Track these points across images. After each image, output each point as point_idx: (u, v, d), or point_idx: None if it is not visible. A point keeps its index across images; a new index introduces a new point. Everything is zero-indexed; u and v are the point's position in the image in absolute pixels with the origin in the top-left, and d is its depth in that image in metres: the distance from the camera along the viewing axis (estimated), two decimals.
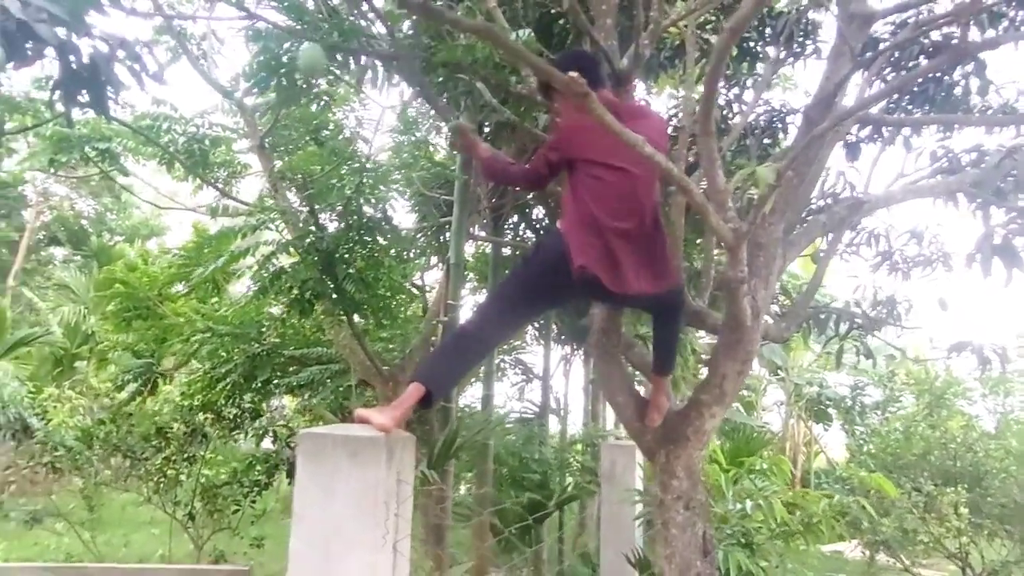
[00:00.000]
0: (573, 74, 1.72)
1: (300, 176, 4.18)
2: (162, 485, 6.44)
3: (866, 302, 4.03)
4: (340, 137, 4.94)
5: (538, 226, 6.80)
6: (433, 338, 5.32)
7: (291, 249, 4.19)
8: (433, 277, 7.44)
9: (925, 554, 6.34)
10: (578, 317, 6.90)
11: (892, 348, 5.64)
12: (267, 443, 7.47)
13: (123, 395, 7.30)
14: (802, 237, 3.02)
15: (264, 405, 7.05)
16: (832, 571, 7.21)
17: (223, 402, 6.55)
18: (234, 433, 7.04)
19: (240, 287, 7.63)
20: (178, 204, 5.98)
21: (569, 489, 6.82)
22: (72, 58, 2.82)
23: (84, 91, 3.05)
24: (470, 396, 6.85)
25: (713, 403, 2.80)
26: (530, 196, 6.47)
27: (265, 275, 4.10)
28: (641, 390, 3.37)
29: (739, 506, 4.33)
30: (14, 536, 7.72)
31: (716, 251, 3.52)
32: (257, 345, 6.34)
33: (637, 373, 3.85)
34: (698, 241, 4.50)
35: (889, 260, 4.35)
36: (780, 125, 4.36)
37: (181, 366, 6.47)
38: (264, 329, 6.23)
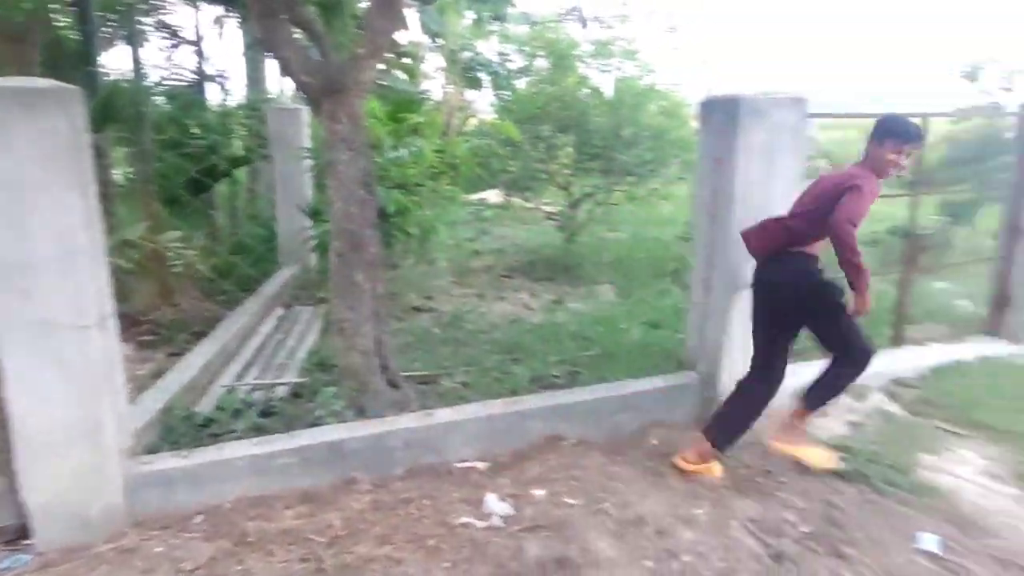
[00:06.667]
0: None
1: None
2: None
3: None
4: None
5: None
6: None
7: None
8: None
9: (543, 191, 7.99)
10: None
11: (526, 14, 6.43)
12: None
13: None
14: None
15: None
16: (476, 212, 8.72)
17: None
18: None
19: None
20: None
21: (239, 153, 6.98)
22: None
23: None
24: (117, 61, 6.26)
25: (368, 56, 3.20)
26: None
27: None
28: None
29: (397, 154, 5.02)
30: None
31: None
32: None
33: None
34: None
35: None
36: None
37: None
38: None
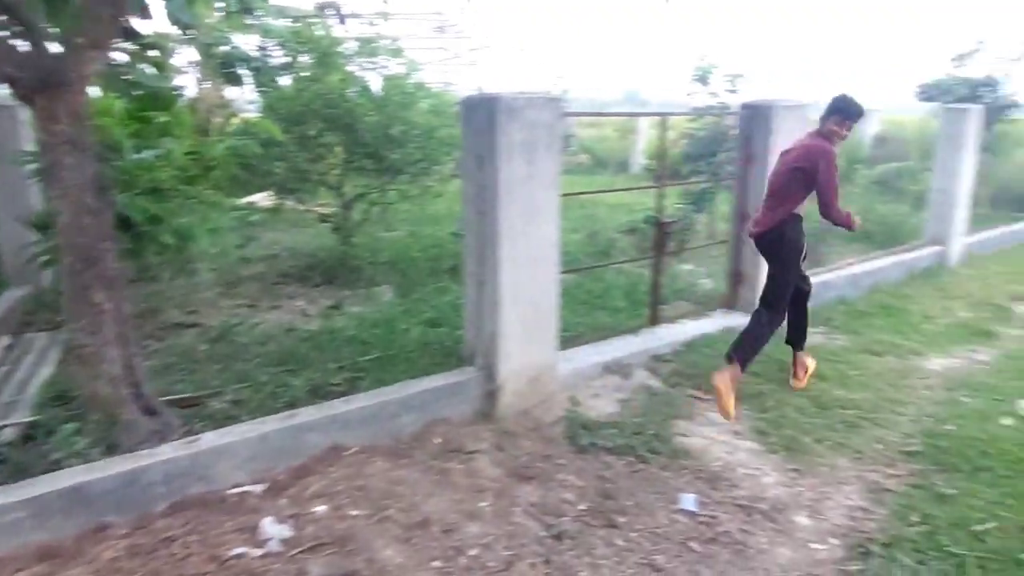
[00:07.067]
0: None
1: None
2: None
3: None
4: None
5: None
6: None
7: None
8: None
9: (316, 193, 7.69)
10: None
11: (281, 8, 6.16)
12: None
13: None
14: None
15: None
16: (244, 217, 8.17)
17: None
18: None
19: None
20: None
21: None
22: None
23: None
24: None
25: (90, 47, 2.83)
26: None
27: None
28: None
29: (140, 157, 4.53)
30: None
31: None
32: None
33: None
34: None
35: None
36: None
37: None
38: None
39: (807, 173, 3.99)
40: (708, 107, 8.13)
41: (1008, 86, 10.05)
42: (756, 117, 5.23)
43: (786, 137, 5.21)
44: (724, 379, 3.94)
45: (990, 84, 10.04)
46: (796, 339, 4.50)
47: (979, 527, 2.99)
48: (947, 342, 5.40)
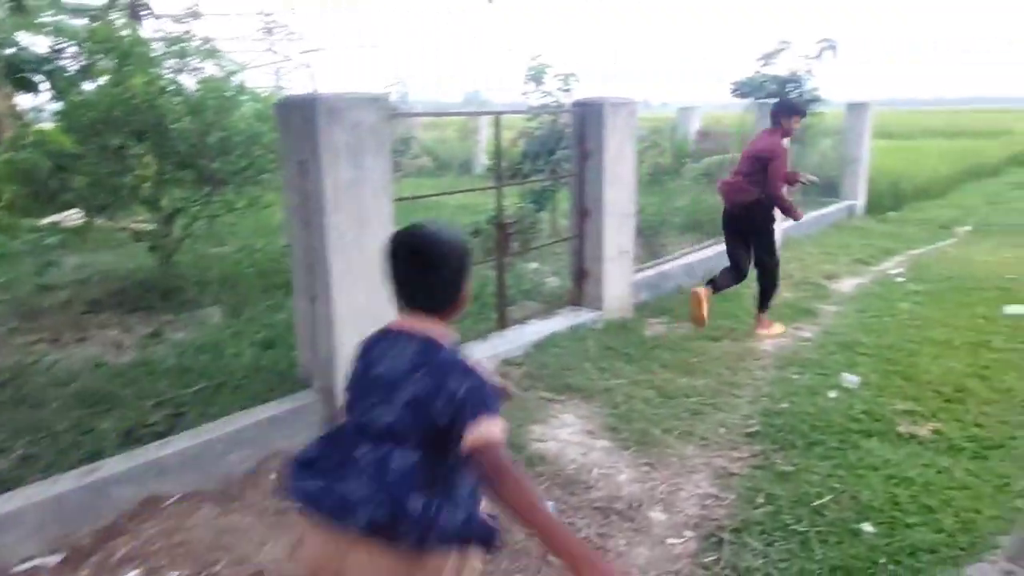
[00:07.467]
0: None
1: None
2: None
3: None
4: None
5: None
6: None
7: None
8: None
9: (131, 208, 6.94)
10: None
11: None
12: None
13: None
14: None
15: None
16: (40, 240, 7.22)
17: None
18: None
19: None
20: None
21: None
22: None
23: None
24: None
25: None
26: None
27: None
28: None
29: None
30: None
31: None
32: None
33: None
34: None
35: None
36: None
37: None
38: None
39: (761, 159, 4.99)
40: (543, 106, 8.20)
41: (811, 82, 10.94)
42: (588, 114, 5.27)
43: (618, 133, 5.30)
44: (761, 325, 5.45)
45: (795, 80, 10.88)
46: (720, 281, 5.39)
47: (817, 501, 3.11)
48: (775, 321, 5.72)
